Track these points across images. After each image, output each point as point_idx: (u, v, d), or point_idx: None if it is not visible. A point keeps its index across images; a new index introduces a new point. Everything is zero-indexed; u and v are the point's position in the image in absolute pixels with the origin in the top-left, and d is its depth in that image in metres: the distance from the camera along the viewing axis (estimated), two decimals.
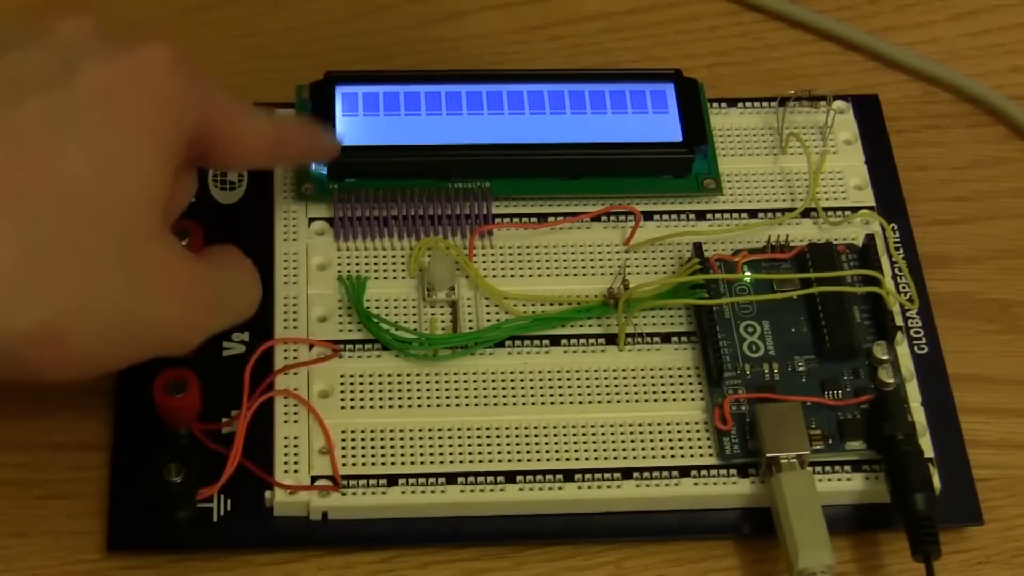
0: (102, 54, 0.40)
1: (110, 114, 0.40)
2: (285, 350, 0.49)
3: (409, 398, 0.49)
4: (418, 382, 0.49)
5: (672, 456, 0.48)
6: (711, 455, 0.48)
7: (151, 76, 0.41)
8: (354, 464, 0.47)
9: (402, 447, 0.48)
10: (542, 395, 0.49)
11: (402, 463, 0.48)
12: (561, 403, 0.49)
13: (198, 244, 0.48)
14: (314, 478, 0.47)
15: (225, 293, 0.45)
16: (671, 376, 0.50)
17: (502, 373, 0.49)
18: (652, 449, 0.48)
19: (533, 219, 0.53)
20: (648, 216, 0.53)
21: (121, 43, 0.41)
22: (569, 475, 0.48)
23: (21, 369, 0.40)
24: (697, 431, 0.49)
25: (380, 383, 0.49)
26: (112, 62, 0.40)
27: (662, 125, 0.54)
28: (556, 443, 0.48)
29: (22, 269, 0.38)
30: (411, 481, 0.47)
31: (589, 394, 0.49)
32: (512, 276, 0.51)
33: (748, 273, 0.51)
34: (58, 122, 0.39)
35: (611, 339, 0.50)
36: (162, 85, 0.41)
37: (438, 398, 0.49)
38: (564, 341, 0.50)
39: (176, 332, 0.43)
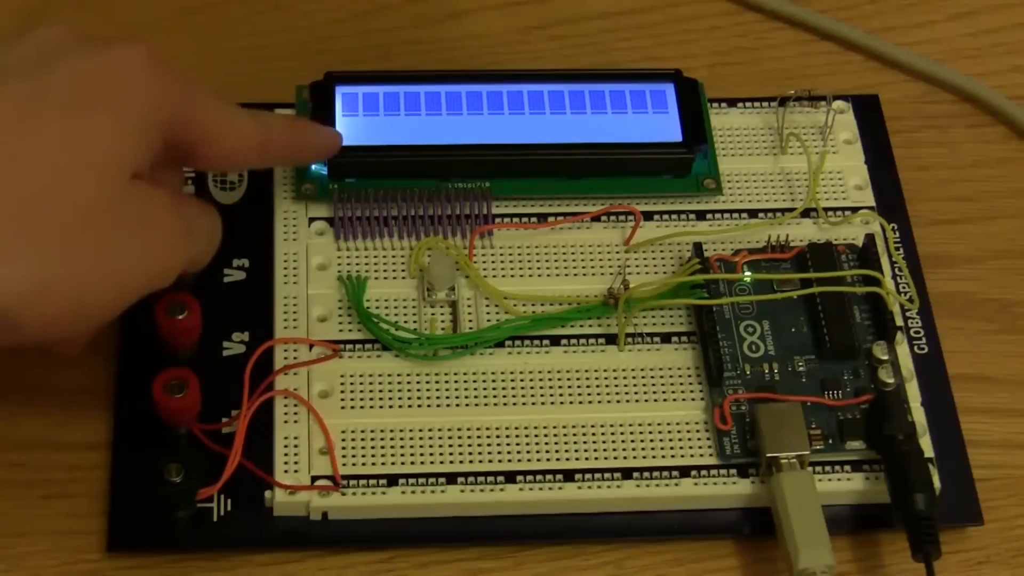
0: (79, 51, 0.43)
1: (83, 97, 0.42)
2: (285, 350, 0.49)
3: (409, 398, 0.49)
4: (418, 382, 0.49)
5: (672, 456, 0.48)
6: (711, 455, 0.48)
7: (125, 69, 0.43)
8: (354, 464, 0.47)
9: (402, 447, 0.48)
10: (542, 395, 0.49)
11: (402, 463, 0.48)
12: (561, 403, 0.49)
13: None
14: (314, 478, 0.47)
15: (194, 223, 0.47)
16: (671, 376, 0.50)
17: (502, 373, 0.49)
18: (652, 449, 0.48)
19: (533, 219, 0.53)
20: (648, 216, 0.53)
21: (99, 43, 0.43)
22: (569, 475, 0.48)
23: (19, 332, 0.41)
24: (697, 431, 0.49)
25: (380, 383, 0.49)
26: (88, 57, 0.43)
27: (662, 125, 0.54)
28: (556, 443, 0.48)
29: (6, 229, 0.40)
30: (411, 481, 0.47)
31: (589, 394, 0.49)
32: (512, 276, 0.51)
33: (748, 273, 0.51)
34: (36, 102, 0.42)
35: (611, 339, 0.50)
36: (136, 78, 0.43)
37: (438, 398, 0.49)
38: (564, 341, 0.50)
39: (158, 267, 0.44)
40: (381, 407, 0.49)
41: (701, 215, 0.53)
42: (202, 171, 0.52)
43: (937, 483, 0.48)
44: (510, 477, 0.48)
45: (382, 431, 0.48)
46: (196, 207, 0.48)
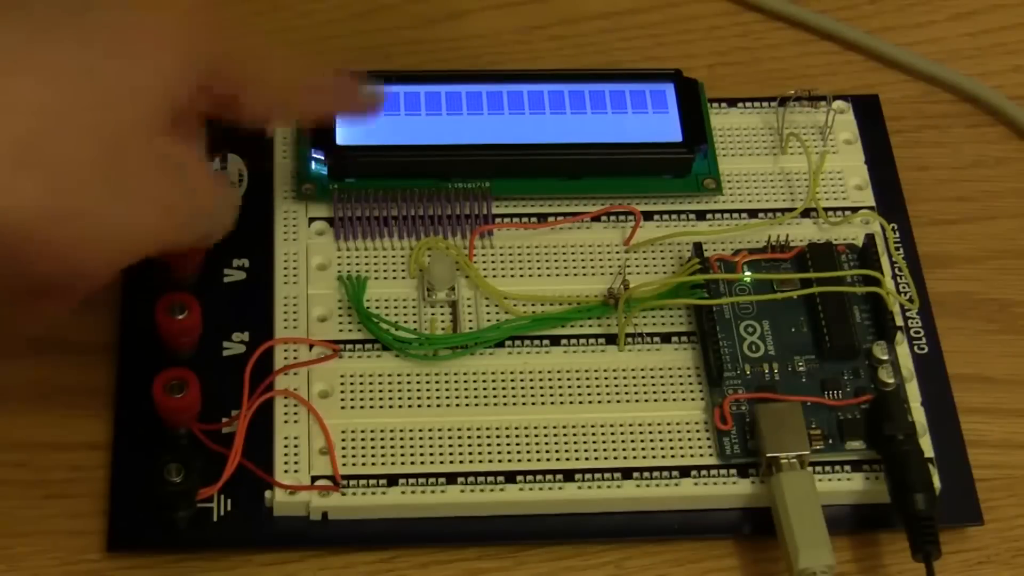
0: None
1: (120, 25, 0.41)
2: (285, 350, 0.49)
3: (409, 398, 0.49)
4: (418, 382, 0.49)
5: (672, 456, 0.48)
6: (711, 455, 0.48)
7: (172, 7, 0.42)
8: (354, 464, 0.47)
9: (402, 447, 0.48)
10: (542, 395, 0.49)
11: (402, 463, 0.48)
12: (561, 403, 0.49)
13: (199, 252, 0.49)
14: (314, 478, 0.47)
15: (216, 190, 0.46)
16: (671, 376, 0.50)
17: (502, 373, 0.49)
18: (652, 449, 0.48)
19: (533, 219, 0.53)
20: (648, 216, 0.53)
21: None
22: (569, 475, 0.48)
23: (22, 257, 0.39)
24: (697, 431, 0.49)
25: (380, 383, 0.49)
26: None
27: (662, 125, 0.54)
28: (556, 443, 0.48)
29: (23, 143, 0.39)
30: (411, 481, 0.47)
31: (589, 394, 0.49)
32: (512, 276, 0.51)
33: (748, 273, 0.51)
34: (70, 22, 0.40)
35: (611, 339, 0.50)
36: (177, 13, 0.42)
37: (438, 398, 0.49)
38: (564, 341, 0.50)
39: (173, 221, 0.43)
40: (381, 407, 0.49)
41: (701, 215, 0.53)
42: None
43: (937, 483, 0.48)
44: (510, 477, 0.48)
45: (382, 431, 0.48)
46: (219, 177, 0.47)
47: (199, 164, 0.45)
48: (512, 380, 0.49)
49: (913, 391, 0.50)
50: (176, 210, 0.43)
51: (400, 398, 0.49)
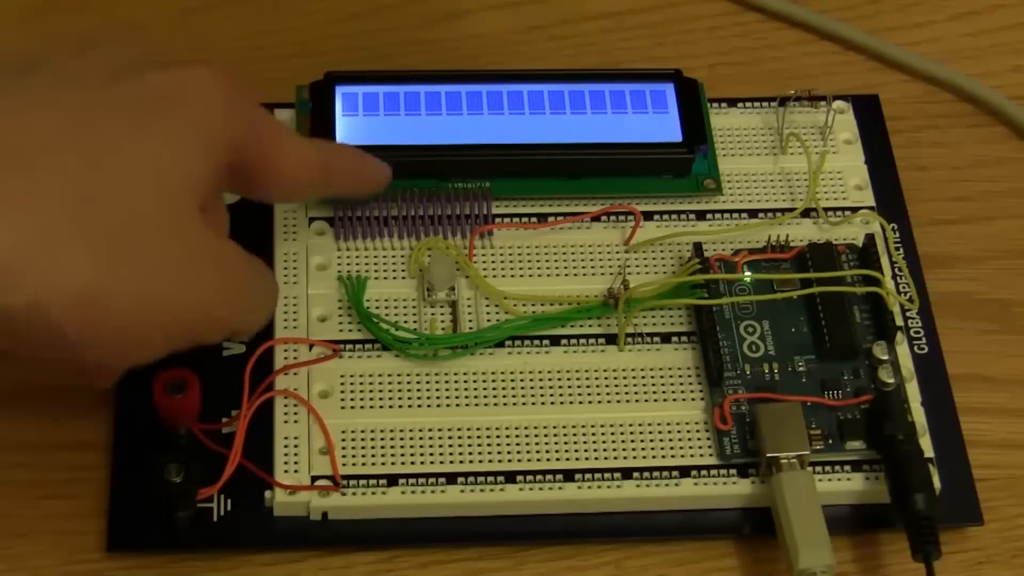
0: (152, 66, 0.43)
1: (154, 110, 0.42)
2: (285, 350, 0.49)
3: (409, 398, 0.49)
4: (418, 382, 0.49)
5: (672, 456, 0.48)
6: (711, 455, 0.48)
7: (196, 86, 0.43)
8: (354, 464, 0.47)
9: (402, 447, 0.48)
10: (542, 395, 0.49)
11: (402, 463, 0.48)
12: (561, 403, 0.49)
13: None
14: (314, 478, 0.47)
15: (254, 279, 0.46)
16: (671, 376, 0.50)
17: (502, 373, 0.49)
18: (652, 449, 0.48)
19: (533, 219, 0.53)
20: (648, 216, 0.53)
21: (171, 60, 0.43)
22: (569, 475, 0.48)
23: (62, 342, 0.39)
24: (697, 431, 0.49)
25: (380, 383, 0.49)
26: (160, 72, 0.42)
27: (662, 125, 0.54)
28: (556, 443, 0.48)
29: (65, 228, 0.39)
30: (411, 481, 0.47)
31: (589, 394, 0.49)
32: (512, 276, 0.51)
33: (748, 273, 0.51)
34: (106, 108, 0.41)
35: (611, 339, 0.50)
36: (207, 95, 0.43)
37: (438, 398, 0.49)
38: (564, 341, 0.50)
39: (212, 312, 0.43)
40: (381, 407, 0.49)
41: (701, 215, 0.53)
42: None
43: (937, 483, 0.48)
44: (510, 477, 0.48)
45: (382, 431, 0.48)
46: (259, 265, 0.46)
47: (234, 250, 0.45)
48: (512, 380, 0.49)
49: (913, 391, 0.50)
50: (218, 295, 0.43)
51: (400, 398, 0.49)
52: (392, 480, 0.47)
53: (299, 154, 0.46)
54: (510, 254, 0.52)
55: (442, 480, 0.47)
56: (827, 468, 0.48)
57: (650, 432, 0.49)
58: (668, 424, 0.49)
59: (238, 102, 0.43)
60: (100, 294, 0.39)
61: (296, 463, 0.47)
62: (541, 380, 0.49)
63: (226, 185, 0.45)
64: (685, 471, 0.48)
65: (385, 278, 0.51)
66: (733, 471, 0.48)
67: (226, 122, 0.43)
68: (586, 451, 0.48)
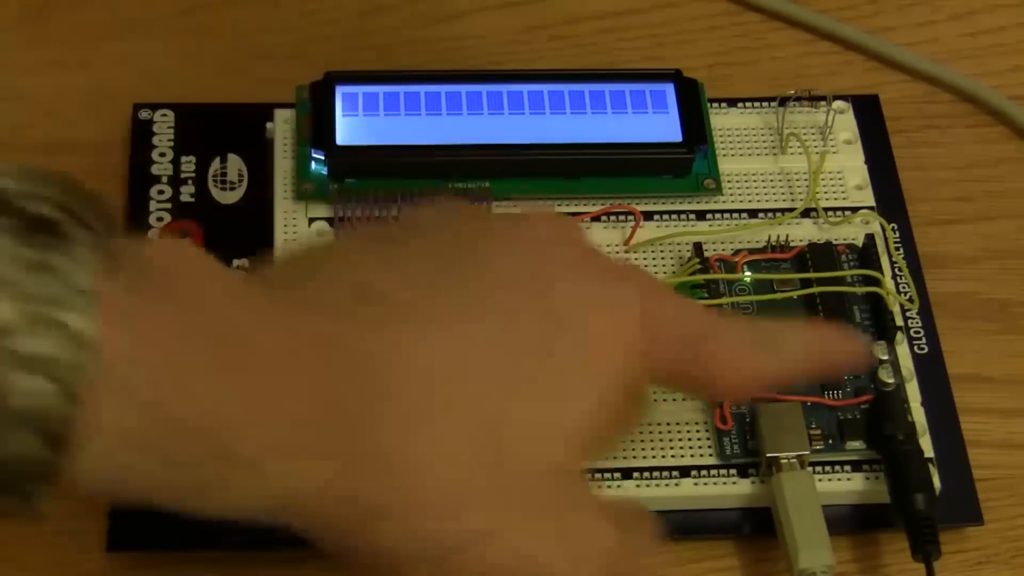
0: (576, 275, 0.39)
1: (586, 355, 0.38)
2: None
3: None
4: None
5: (672, 456, 0.48)
6: (711, 455, 0.48)
7: (625, 325, 0.39)
8: None
9: None
10: None
11: None
12: None
13: (197, 244, 0.48)
14: None
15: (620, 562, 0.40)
16: None
17: None
18: (652, 449, 0.48)
19: None
20: (648, 216, 0.53)
21: (596, 272, 0.39)
22: None
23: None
24: (697, 431, 0.49)
25: None
26: (587, 287, 0.39)
27: (662, 125, 0.54)
28: None
29: (474, 478, 0.36)
30: None
31: None
32: None
33: (748, 273, 0.51)
34: (541, 323, 0.38)
35: None
36: (631, 336, 0.39)
37: None
38: None
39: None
40: None
41: (701, 215, 0.53)
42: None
43: (937, 483, 0.48)
44: None
45: None
46: (634, 536, 0.40)
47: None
48: None
49: (913, 391, 0.50)
50: (585, 561, 0.38)
51: None
52: None
53: (753, 371, 0.40)
54: None
55: None
56: (827, 468, 0.48)
57: (650, 432, 0.49)
58: (668, 424, 0.49)
59: (661, 326, 0.39)
60: (480, 547, 0.36)
61: None
62: None
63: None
64: (685, 471, 0.48)
65: None
66: (733, 471, 0.48)
67: (640, 371, 0.39)
68: None
